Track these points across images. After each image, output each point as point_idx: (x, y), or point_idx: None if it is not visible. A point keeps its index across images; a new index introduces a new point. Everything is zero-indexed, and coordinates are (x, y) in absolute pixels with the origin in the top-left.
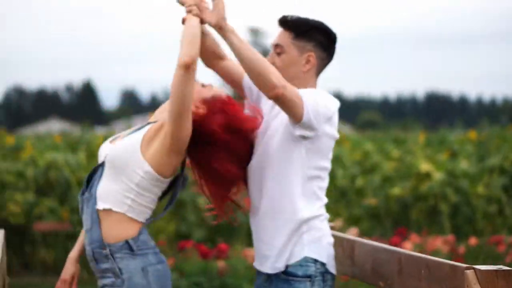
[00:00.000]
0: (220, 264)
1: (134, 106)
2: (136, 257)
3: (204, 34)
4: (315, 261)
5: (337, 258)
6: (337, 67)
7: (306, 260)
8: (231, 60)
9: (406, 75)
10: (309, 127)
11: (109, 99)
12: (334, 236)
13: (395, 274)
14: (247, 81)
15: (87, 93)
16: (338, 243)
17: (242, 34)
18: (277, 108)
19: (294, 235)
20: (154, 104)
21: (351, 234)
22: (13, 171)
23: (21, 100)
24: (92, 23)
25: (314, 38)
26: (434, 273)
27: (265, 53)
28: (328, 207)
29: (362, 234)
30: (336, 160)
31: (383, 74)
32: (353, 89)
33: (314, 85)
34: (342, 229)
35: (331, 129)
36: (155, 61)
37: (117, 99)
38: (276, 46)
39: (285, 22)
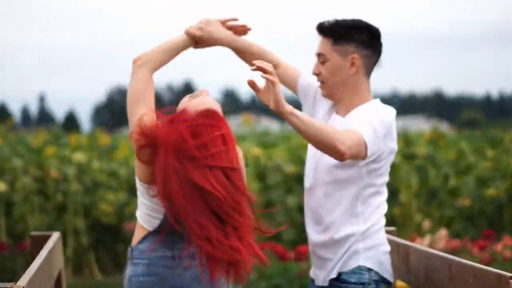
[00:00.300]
0: (301, 265)
1: (234, 105)
2: (131, 265)
3: (245, 50)
4: (369, 269)
5: (392, 264)
6: (438, 65)
7: (360, 268)
8: (285, 64)
9: (509, 73)
10: (372, 154)
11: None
12: (389, 240)
13: (446, 281)
14: (301, 85)
15: (188, 93)
16: (394, 248)
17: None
18: (332, 118)
19: (351, 247)
20: (253, 104)
21: (440, 235)
22: (106, 171)
23: (123, 100)
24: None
25: (354, 38)
26: (481, 282)
27: None
28: (419, 208)
29: (453, 235)
30: (429, 160)
31: (485, 72)
32: (455, 88)
33: (365, 86)
34: (431, 230)
35: (390, 143)
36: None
37: (217, 99)
38: (319, 55)
39: (322, 29)
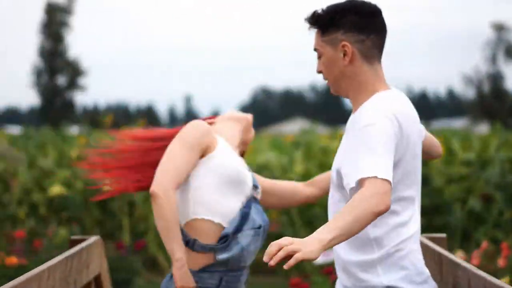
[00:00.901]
0: None
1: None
2: None
3: None
4: None
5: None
6: None
7: None
8: None
9: None
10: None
11: None
12: (428, 248)
13: None
14: None
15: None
16: (431, 256)
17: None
18: (350, 121)
19: (369, 280)
20: None
21: None
22: None
23: (267, 100)
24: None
25: (341, 24)
26: None
27: (509, 49)
28: None
29: None
30: None
31: None
32: None
33: (367, 75)
34: None
35: (400, 151)
36: (410, 59)
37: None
38: (315, 51)
39: (309, 21)
